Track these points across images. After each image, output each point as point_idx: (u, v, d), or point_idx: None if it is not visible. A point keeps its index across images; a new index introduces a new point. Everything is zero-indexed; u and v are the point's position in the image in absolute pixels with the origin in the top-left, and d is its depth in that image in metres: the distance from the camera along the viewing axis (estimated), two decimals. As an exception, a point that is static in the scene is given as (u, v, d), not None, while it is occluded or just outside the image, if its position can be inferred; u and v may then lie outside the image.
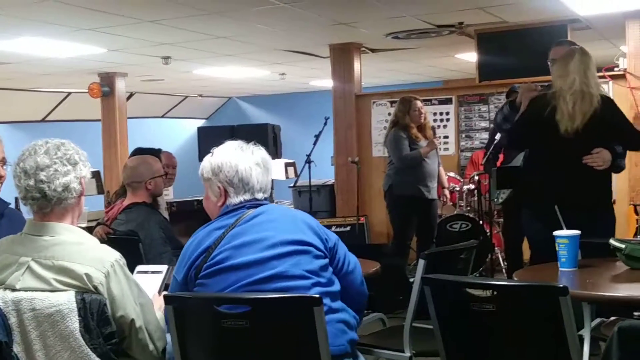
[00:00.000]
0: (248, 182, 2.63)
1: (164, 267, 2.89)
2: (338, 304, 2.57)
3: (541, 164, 4.18)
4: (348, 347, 2.53)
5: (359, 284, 2.78)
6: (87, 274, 2.36)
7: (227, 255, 2.49)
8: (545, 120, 4.04)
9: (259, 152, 2.70)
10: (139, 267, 2.87)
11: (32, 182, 2.42)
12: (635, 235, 6.19)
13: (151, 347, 2.47)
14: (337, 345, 2.46)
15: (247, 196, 2.63)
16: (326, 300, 2.47)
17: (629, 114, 6.79)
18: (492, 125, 7.70)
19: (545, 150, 4.14)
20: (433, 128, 7.00)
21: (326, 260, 2.59)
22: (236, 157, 2.64)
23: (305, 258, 2.52)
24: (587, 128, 3.97)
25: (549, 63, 4.52)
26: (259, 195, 2.66)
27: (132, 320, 2.43)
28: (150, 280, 2.76)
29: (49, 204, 2.45)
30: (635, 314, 3.33)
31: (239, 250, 2.49)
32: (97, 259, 2.41)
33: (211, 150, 2.71)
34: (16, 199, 2.97)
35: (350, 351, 2.55)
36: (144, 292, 2.56)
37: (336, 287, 2.60)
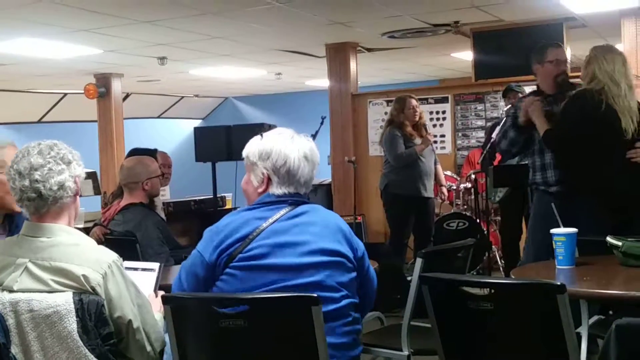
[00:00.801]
0: (295, 175, 2.55)
1: (155, 265, 2.87)
2: (357, 314, 2.57)
3: (603, 163, 4.18)
4: (359, 357, 2.56)
5: (374, 291, 2.77)
6: (84, 275, 2.36)
7: (265, 251, 2.43)
8: (602, 119, 4.11)
9: (308, 144, 2.61)
10: (128, 263, 2.76)
11: (27, 183, 2.42)
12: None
13: (148, 348, 2.47)
14: (352, 357, 2.49)
15: (290, 189, 2.56)
16: (352, 312, 2.51)
17: (625, 112, 6.80)
18: (488, 124, 7.73)
19: (607, 149, 4.17)
20: (424, 125, 7.00)
21: (355, 274, 2.58)
22: (287, 146, 2.55)
23: (339, 270, 2.50)
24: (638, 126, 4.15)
25: (547, 63, 4.54)
26: (302, 190, 2.59)
27: (130, 321, 2.43)
28: (142, 278, 2.75)
29: (45, 204, 2.45)
30: None
31: (279, 250, 2.44)
32: (95, 260, 2.41)
33: (260, 134, 2.62)
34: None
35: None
36: (141, 293, 2.56)
37: (357, 298, 2.59)
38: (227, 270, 2.44)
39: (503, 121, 4.85)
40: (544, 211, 4.45)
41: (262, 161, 2.56)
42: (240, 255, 2.43)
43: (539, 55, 4.67)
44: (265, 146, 2.56)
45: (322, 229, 2.53)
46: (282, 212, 2.51)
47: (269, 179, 2.56)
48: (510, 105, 4.84)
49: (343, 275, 2.51)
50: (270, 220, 2.48)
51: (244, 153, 2.62)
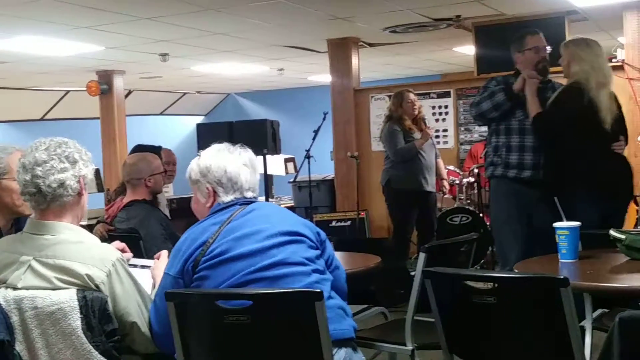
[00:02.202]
0: (237, 182, 2.69)
1: (152, 262, 2.90)
2: (333, 292, 2.63)
3: (588, 154, 4.32)
4: (352, 332, 2.58)
5: (344, 280, 2.85)
6: (88, 274, 2.37)
7: (227, 247, 2.52)
8: (586, 112, 4.26)
9: (245, 154, 2.76)
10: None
11: (28, 177, 2.44)
12: (636, 225, 6.20)
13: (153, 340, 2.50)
14: (341, 329, 2.51)
15: (237, 194, 2.69)
16: (325, 287, 2.55)
17: (628, 105, 6.79)
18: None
19: (590, 141, 4.32)
20: (424, 119, 7.00)
21: (319, 251, 2.67)
22: (224, 158, 2.71)
23: (302, 247, 2.60)
24: (613, 121, 4.34)
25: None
26: (248, 194, 2.72)
27: (135, 317, 2.45)
28: (141, 275, 2.77)
29: (44, 200, 2.46)
30: None
31: (239, 242, 2.53)
32: (99, 258, 2.42)
33: (198, 153, 2.76)
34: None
35: (354, 336, 2.59)
36: (144, 290, 2.57)
37: (330, 275, 2.67)
38: (196, 275, 2.52)
39: (483, 89, 4.79)
40: (517, 203, 4.54)
41: (203, 177, 2.71)
42: (204, 258, 2.52)
43: (518, 44, 4.75)
44: (204, 162, 2.72)
45: (277, 217, 2.67)
46: (235, 212, 2.63)
47: (215, 192, 2.70)
48: (494, 78, 4.78)
49: (307, 251, 2.60)
50: (226, 222, 2.59)
51: (187, 175, 2.77)
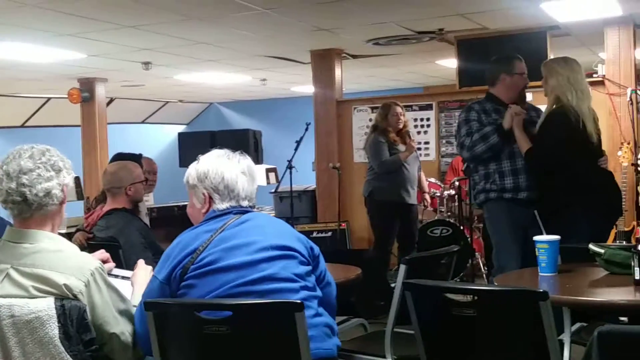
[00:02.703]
0: (234, 190, 2.65)
1: (129, 274, 2.88)
2: (322, 309, 2.60)
3: (580, 172, 4.39)
4: (335, 351, 2.56)
5: (334, 297, 2.83)
6: (66, 284, 2.35)
7: (216, 257, 2.49)
8: (574, 131, 4.32)
9: (245, 161, 2.72)
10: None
11: (13, 185, 2.41)
12: (615, 240, 6.24)
13: (132, 350, 2.48)
14: (325, 349, 2.50)
15: (232, 203, 2.66)
16: (313, 304, 2.53)
17: (608, 121, 6.86)
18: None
19: (581, 158, 4.40)
20: (408, 132, 7.02)
21: (310, 267, 2.63)
22: (222, 164, 2.67)
23: (292, 262, 2.56)
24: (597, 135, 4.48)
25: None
26: (244, 203, 2.69)
27: (113, 327, 2.43)
28: (122, 285, 2.75)
29: (29, 209, 2.43)
30: (621, 319, 3.36)
31: (229, 253, 2.50)
32: (77, 268, 2.40)
33: (197, 158, 2.72)
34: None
35: (336, 355, 2.58)
36: (125, 298, 2.55)
37: (319, 292, 2.64)
38: (183, 283, 2.49)
39: (467, 126, 4.77)
40: (515, 220, 4.55)
41: (200, 182, 2.67)
42: (193, 266, 2.49)
43: (508, 66, 4.79)
44: (201, 167, 2.68)
45: (270, 230, 2.63)
46: (229, 221, 2.60)
47: (211, 198, 2.67)
48: (471, 108, 4.78)
49: (298, 267, 2.56)
50: (219, 230, 2.56)
51: (184, 179, 2.74)
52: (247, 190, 2.69)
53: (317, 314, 2.54)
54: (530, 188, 4.60)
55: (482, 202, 4.80)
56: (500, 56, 4.96)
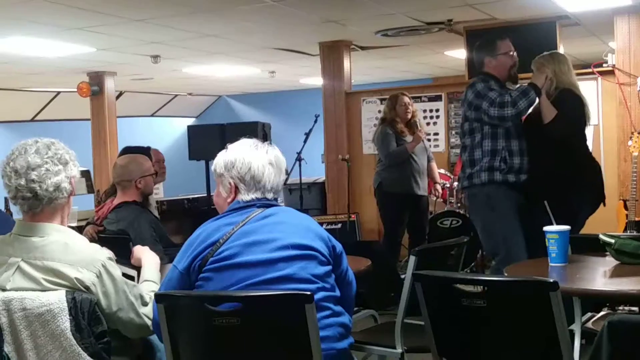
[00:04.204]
0: (260, 181, 2.63)
1: (134, 272, 2.89)
2: (339, 308, 2.58)
3: (590, 157, 4.67)
4: (348, 351, 2.56)
5: (353, 296, 2.80)
6: (77, 278, 2.37)
7: (236, 251, 2.47)
8: (584, 112, 4.56)
9: (273, 152, 2.69)
10: None
11: (23, 182, 2.42)
12: (625, 230, 6.22)
13: (148, 322, 2.55)
14: (339, 349, 2.49)
15: (257, 194, 2.63)
16: (330, 304, 2.51)
17: (618, 110, 6.83)
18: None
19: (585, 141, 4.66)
20: (416, 122, 6.99)
21: (330, 267, 2.60)
22: (250, 154, 2.64)
23: (312, 263, 2.52)
24: None
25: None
26: (270, 195, 2.66)
27: (129, 312, 2.49)
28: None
29: (39, 204, 2.45)
30: (619, 308, 3.36)
31: (249, 249, 2.48)
32: (88, 260, 2.42)
33: (226, 146, 2.70)
34: (6, 199, 2.97)
35: (349, 354, 2.57)
36: (135, 285, 2.59)
37: (338, 292, 2.61)
38: (201, 275, 2.48)
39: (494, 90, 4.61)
40: (517, 207, 4.56)
41: (227, 171, 2.64)
42: (212, 259, 2.47)
43: (490, 49, 4.79)
44: (229, 157, 2.65)
45: (292, 227, 2.58)
46: (252, 215, 2.57)
47: (236, 188, 2.64)
48: (482, 79, 4.75)
49: (317, 268, 2.53)
50: (240, 224, 2.53)
51: (212, 168, 2.71)
52: (274, 182, 2.66)
53: (333, 314, 2.51)
54: (528, 171, 4.62)
55: (485, 182, 4.59)
56: (481, 40, 4.95)
